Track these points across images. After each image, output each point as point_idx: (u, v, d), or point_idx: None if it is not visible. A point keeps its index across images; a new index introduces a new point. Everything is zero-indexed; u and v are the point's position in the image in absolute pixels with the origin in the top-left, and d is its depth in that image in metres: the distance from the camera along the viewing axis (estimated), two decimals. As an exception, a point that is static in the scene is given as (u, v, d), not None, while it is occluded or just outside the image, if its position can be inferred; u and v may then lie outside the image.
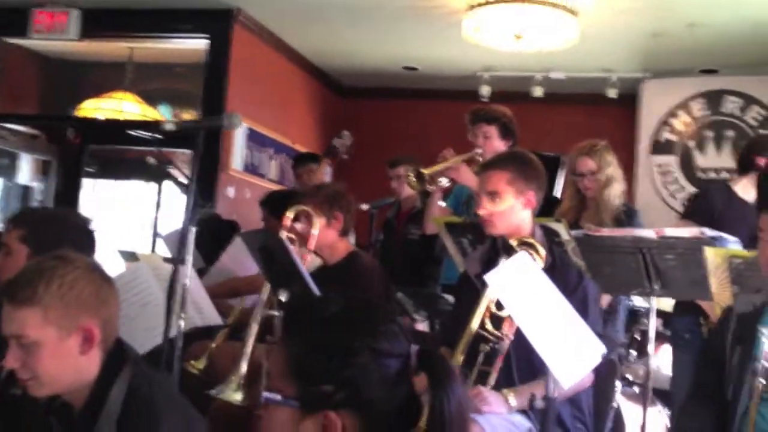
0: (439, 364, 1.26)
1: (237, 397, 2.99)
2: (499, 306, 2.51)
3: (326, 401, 1.20)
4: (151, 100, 7.22)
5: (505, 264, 1.98)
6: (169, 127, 2.36)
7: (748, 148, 3.93)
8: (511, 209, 2.71)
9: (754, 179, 3.75)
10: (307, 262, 3.18)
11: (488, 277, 2.02)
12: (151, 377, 1.80)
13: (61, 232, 2.38)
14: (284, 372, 1.24)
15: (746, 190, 3.77)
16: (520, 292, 1.95)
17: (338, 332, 1.23)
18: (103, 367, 1.73)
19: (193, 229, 2.43)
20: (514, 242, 2.52)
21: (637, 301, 5.34)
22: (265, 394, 1.22)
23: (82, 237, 2.44)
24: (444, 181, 4.04)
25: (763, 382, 2.15)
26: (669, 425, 3.63)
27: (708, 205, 3.84)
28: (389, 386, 1.22)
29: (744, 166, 3.84)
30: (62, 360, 1.69)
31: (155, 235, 6.94)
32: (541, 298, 1.96)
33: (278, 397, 1.22)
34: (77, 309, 1.70)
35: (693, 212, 3.82)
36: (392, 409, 1.22)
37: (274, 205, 4.51)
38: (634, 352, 4.66)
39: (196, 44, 6.36)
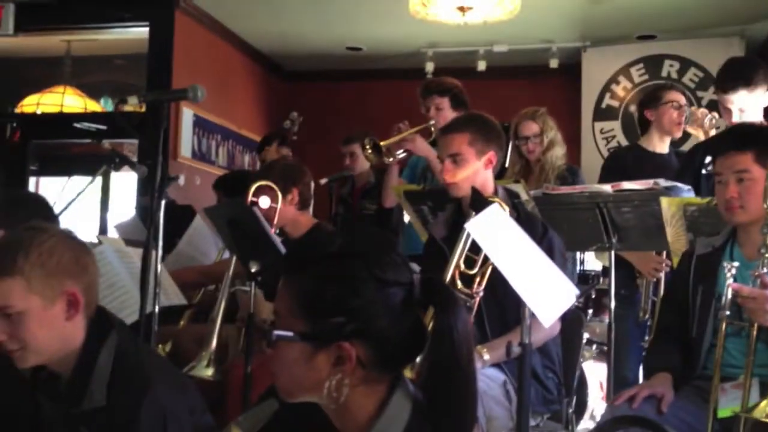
0: (443, 291, 1.29)
1: (209, 372, 2.99)
2: (468, 264, 2.56)
3: (338, 333, 1.22)
4: (92, 93, 7.09)
5: (482, 213, 2.04)
6: (133, 102, 2.34)
7: (639, 106, 4.12)
8: (475, 171, 2.76)
9: (656, 133, 3.92)
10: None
11: (468, 225, 2.08)
12: (138, 342, 1.80)
13: (28, 209, 2.36)
14: (293, 309, 1.25)
15: (652, 143, 3.95)
16: (498, 238, 2.01)
17: (345, 264, 1.25)
18: (89, 332, 1.73)
19: (163, 203, 2.42)
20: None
21: (588, 264, 5.47)
22: (276, 332, 1.24)
23: (48, 212, 2.43)
24: (400, 153, 4.09)
25: (728, 313, 2.23)
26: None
27: (618, 165, 3.99)
28: (396, 315, 1.25)
29: (642, 123, 4.03)
30: (49, 327, 1.68)
31: (104, 229, 6.82)
32: (516, 243, 2.02)
33: (289, 333, 1.23)
34: (59, 275, 1.69)
35: (605, 176, 3.94)
36: (400, 337, 1.25)
37: (229, 186, 4.49)
38: (590, 311, 4.79)
39: (137, 33, 6.27)
